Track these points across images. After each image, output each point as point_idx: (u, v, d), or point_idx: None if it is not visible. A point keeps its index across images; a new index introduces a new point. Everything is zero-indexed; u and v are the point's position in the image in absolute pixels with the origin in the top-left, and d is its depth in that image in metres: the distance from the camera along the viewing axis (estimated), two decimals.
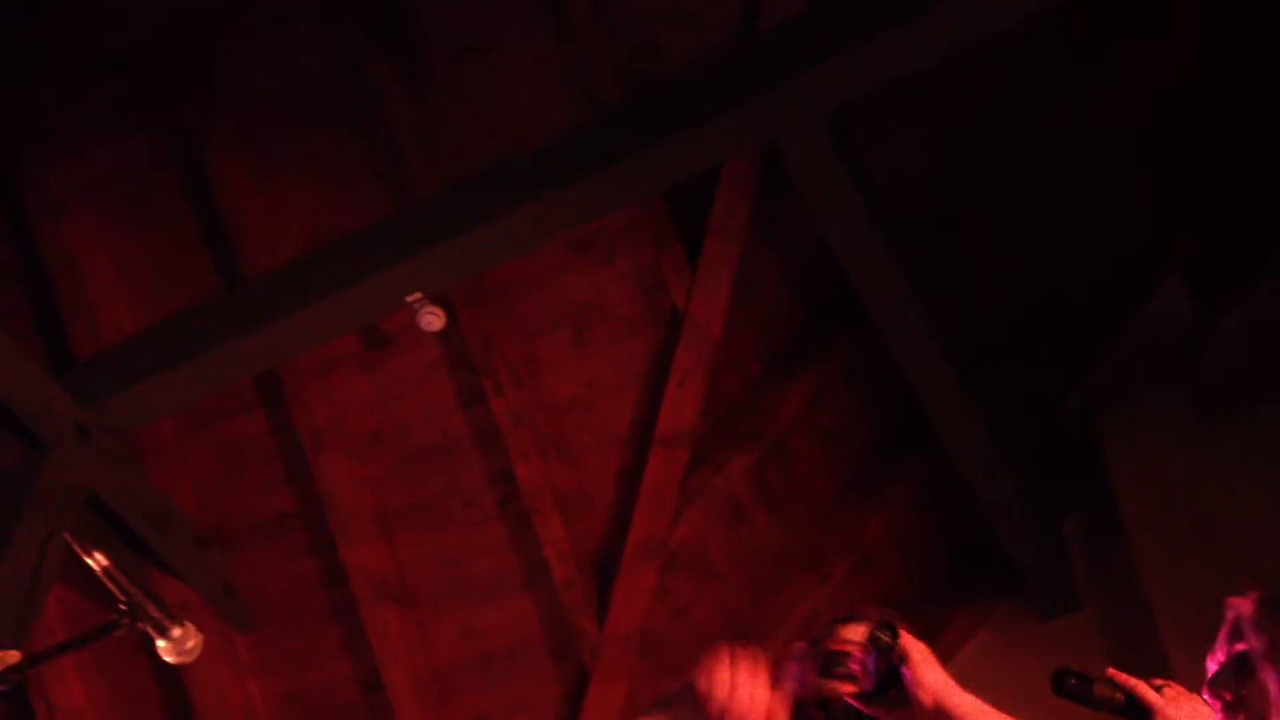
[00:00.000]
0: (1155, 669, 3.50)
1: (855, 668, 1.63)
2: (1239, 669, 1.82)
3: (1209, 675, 1.88)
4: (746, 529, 3.64)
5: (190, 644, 1.95)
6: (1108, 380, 3.80)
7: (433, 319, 3.13)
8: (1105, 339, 3.80)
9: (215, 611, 3.53)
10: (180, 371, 3.13)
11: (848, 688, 1.63)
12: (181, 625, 1.94)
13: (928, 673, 1.65)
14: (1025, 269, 3.63)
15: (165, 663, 1.99)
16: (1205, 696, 1.83)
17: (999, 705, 4.09)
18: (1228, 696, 1.82)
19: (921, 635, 4.19)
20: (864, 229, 3.24)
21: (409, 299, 3.02)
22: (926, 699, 1.64)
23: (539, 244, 3.10)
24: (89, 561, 1.89)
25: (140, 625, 1.90)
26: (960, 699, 1.66)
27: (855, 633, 1.65)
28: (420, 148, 3.29)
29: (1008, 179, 3.49)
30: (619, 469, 3.52)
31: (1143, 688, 1.71)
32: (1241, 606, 1.87)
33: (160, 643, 1.93)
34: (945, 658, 4.29)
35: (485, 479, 3.54)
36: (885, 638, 1.64)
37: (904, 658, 1.64)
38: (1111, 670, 1.73)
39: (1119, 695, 1.71)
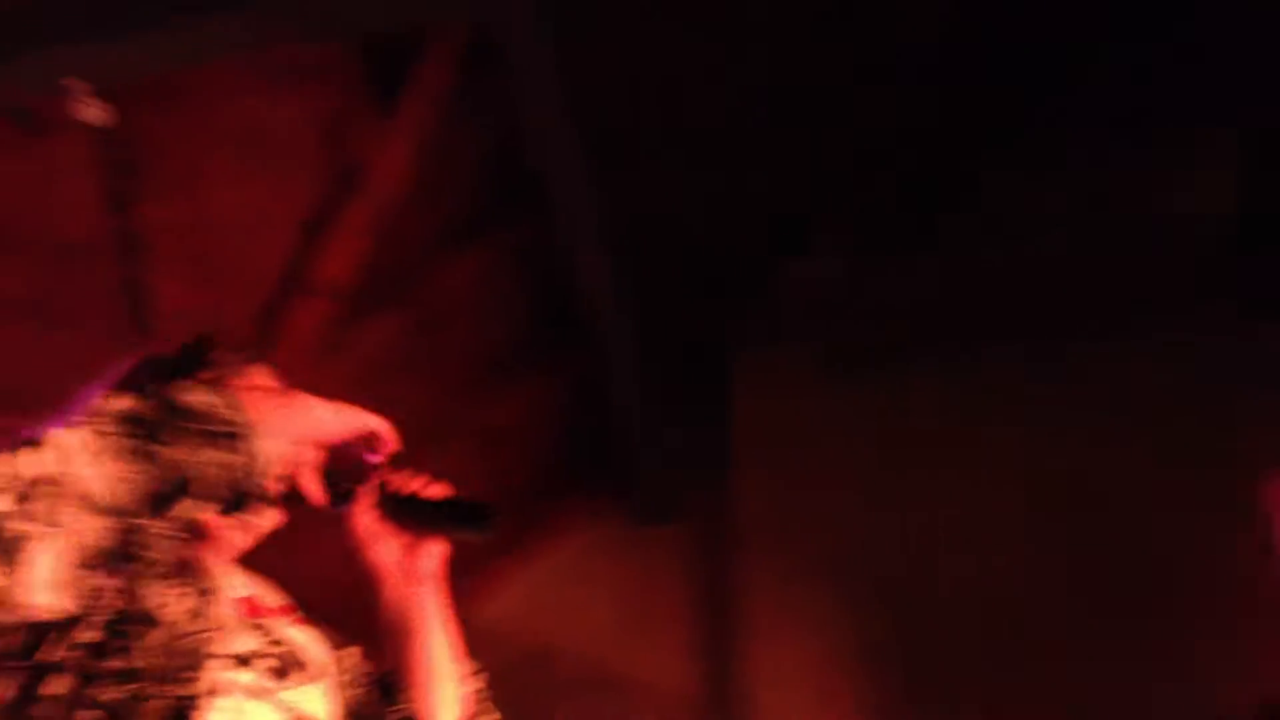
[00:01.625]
0: (734, 596, 3.78)
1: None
2: None
3: None
4: (381, 392, 3.63)
5: None
6: (750, 324, 4.00)
7: (93, 111, 2.95)
8: (759, 284, 3.99)
9: None
10: None
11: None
12: None
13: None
14: (702, 204, 3.75)
15: None
16: None
17: (588, 600, 4.30)
18: None
19: (527, 523, 4.30)
20: (559, 116, 3.28)
21: (66, 83, 2.83)
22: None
23: (207, 59, 2.97)
24: None
25: None
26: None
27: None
28: None
29: (693, 112, 3.58)
30: (262, 306, 3.44)
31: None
32: None
33: None
34: (541, 548, 4.44)
35: (119, 287, 3.38)
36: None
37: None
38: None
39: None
